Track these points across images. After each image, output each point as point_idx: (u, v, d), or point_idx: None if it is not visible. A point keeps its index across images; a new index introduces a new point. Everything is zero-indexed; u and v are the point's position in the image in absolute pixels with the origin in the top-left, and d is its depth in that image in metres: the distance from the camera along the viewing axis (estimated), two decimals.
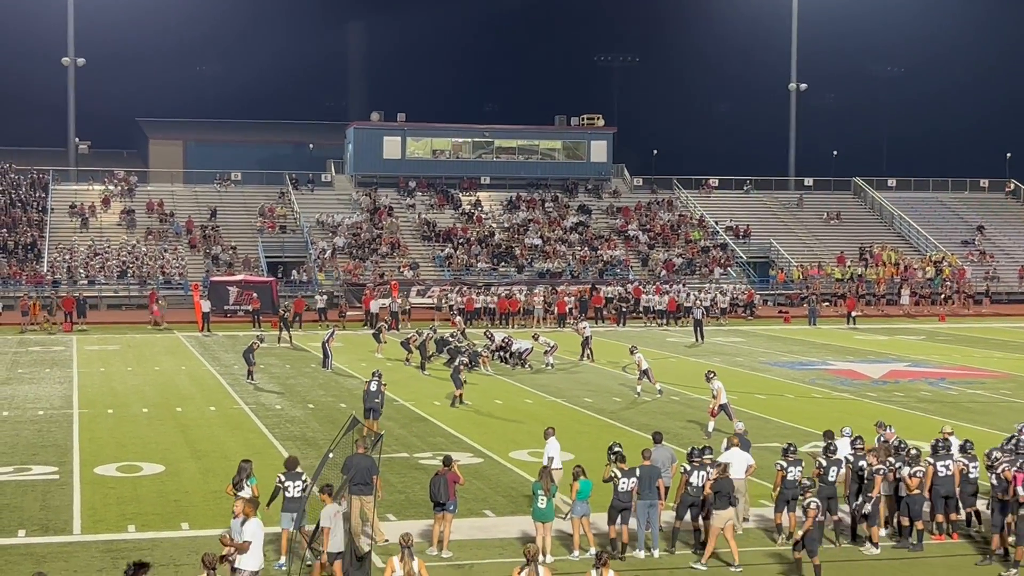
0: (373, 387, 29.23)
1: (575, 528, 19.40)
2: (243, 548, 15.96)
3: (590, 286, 64.46)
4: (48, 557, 18.83)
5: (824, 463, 20.23)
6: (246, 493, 18.82)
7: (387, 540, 19.49)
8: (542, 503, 18.89)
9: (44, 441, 28.19)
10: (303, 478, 19.05)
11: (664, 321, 60.93)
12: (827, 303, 67.67)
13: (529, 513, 19.45)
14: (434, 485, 19.44)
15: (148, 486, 23.71)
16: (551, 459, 21.04)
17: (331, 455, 19.88)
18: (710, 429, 29.19)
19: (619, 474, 19.45)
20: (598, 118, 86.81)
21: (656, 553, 19.35)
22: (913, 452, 20.41)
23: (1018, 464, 19.38)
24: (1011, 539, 18.96)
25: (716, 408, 29.26)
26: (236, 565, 16.04)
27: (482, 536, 20.05)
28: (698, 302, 58.61)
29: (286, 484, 18.78)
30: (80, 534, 20.34)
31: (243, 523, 16.32)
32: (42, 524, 20.70)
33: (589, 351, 44.61)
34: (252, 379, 37.77)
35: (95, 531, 20.39)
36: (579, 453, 25.89)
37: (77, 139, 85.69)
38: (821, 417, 31.39)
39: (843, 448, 20.85)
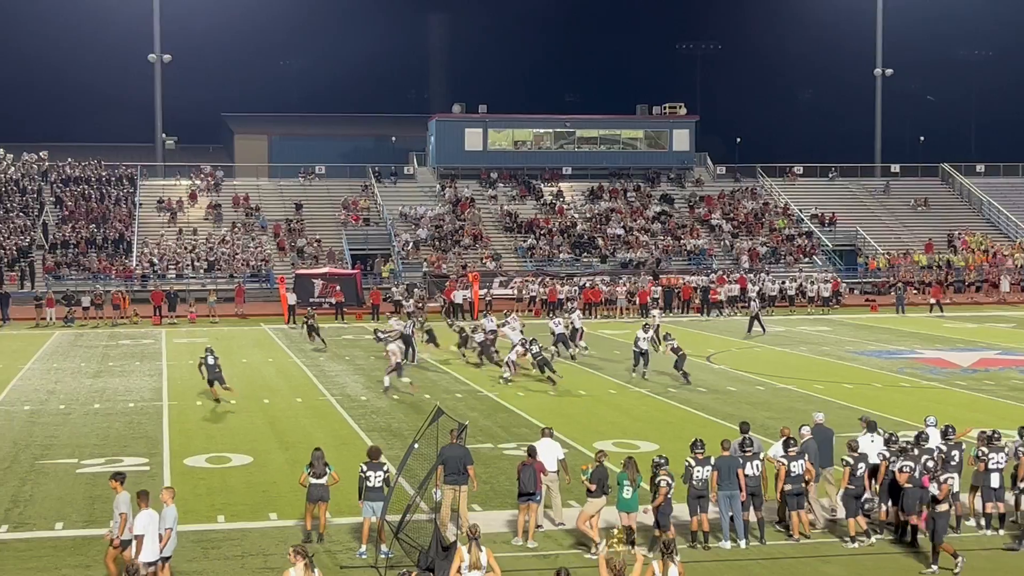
0: (211, 361, 32.56)
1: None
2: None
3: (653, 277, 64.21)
4: None
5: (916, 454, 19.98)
6: (327, 480, 19.08)
7: (479, 530, 19.53)
8: (627, 493, 18.82)
9: (135, 433, 28.65)
10: (385, 468, 19.17)
11: (729, 311, 60.08)
12: (915, 291, 66.71)
13: (614, 503, 19.40)
14: (524, 475, 19.44)
15: (237, 477, 24.02)
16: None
17: (416, 446, 20.01)
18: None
19: (694, 462, 19.34)
20: (680, 106, 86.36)
21: (743, 544, 19.21)
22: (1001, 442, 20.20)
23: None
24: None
25: None
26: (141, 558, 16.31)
27: (568, 526, 20.03)
28: (755, 292, 58.22)
29: (368, 474, 18.90)
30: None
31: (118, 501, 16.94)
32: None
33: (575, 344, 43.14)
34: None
35: (185, 522, 20.59)
36: (664, 444, 25.83)
37: (164, 135, 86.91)
38: (909, 406, 31.02)
39: (934, 439, 20.55)
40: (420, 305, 54.63)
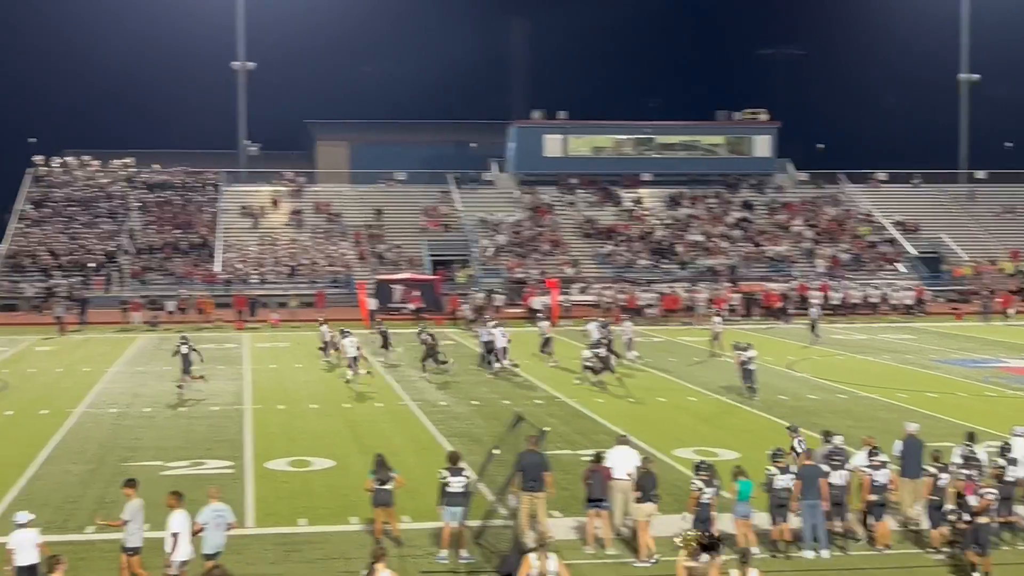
0: (184, 349, 35.02)
1: (737, 528, 19.19)
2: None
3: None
4: (223, 551, 19.32)
5: (1003, 463, 19.68)
6: (391, 485, 19.18)
7: (552, 537, 19.52)
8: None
9: (218, 436, 28.99)
10: (465, 473, 19.21)
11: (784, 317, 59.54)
12: (999, 300, 65.66)
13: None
14: (595, 482, 19.39)
15: (318, 481, 24.22)
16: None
17: (496, 451, 20.05)
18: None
19: (776, 471, 19.20)
20: (762, 112, 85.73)
21: (825, 554, 19.01)
22: None
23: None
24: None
25: None
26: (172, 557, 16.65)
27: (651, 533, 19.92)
28: (816, 300, 57.67)
29: (448, 479, 18.96)
30: (254, 527, 20.84)
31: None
32: None
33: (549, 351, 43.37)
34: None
35: (268, 524, 20.88)
36: (743, 452, 25.64)
37: (247, 141, 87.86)
38: (995, 416, 30.51)
39: (1018, 449, 20.23)
40: (482, 312, 54.79)
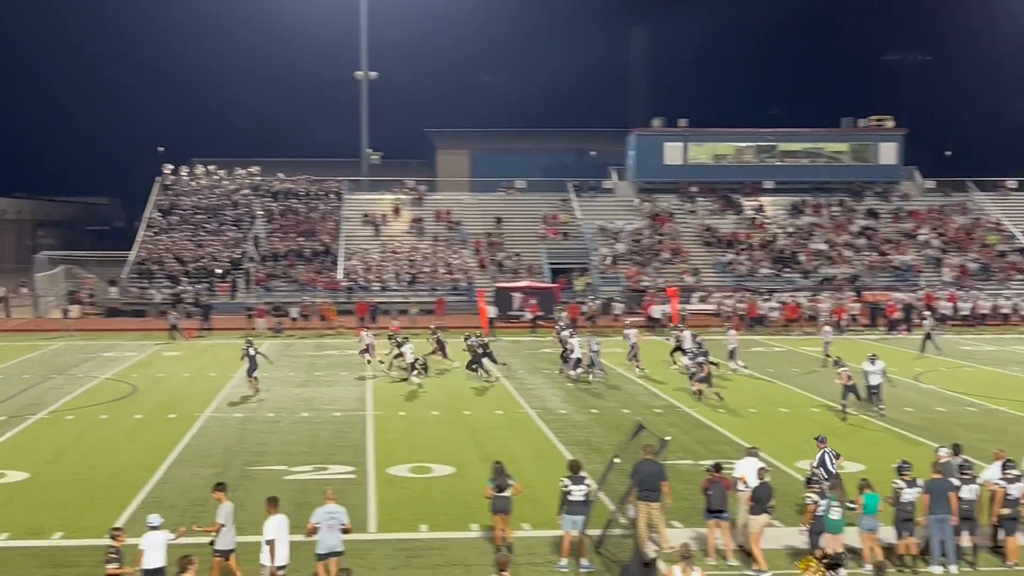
0: (252, 351, 37.00)
1: (863, 543, 18.85)
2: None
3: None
4: (346, 554, 19.50)
5: None
6: (509, 492, 19.20)
7: (672, 547, 19.40)
8: (835, 515, 18.42)
9: (341, 441, 29.31)
10: (587, 482, 19.15)
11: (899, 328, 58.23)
12: None
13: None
14: (714, 492, 19.20)
15: (439, 487, 24.34)
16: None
17: (617, 460, 19.96)
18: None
19: (903, 484, 18.84)
20: (887, 119, 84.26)
21: (954, 569, 18.57)
22: None
23: None
24: None
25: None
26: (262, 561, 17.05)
27: (767, 546, 19.66)
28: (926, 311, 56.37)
29: (570, 488, 18.93)
30: (376, 532, 21.04)
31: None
32: None
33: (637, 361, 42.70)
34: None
35: (389, 530, 21.04)
36: (869, 464, 25.18)
37: (369, 150, 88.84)
38: None
39: None
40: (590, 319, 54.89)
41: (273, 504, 17.74)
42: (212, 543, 17.83)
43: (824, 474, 20.51)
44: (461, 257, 72.54)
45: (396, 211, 78.47)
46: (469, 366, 40.63)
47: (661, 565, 18.18)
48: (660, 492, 19.32)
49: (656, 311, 58.01)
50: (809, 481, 18.92)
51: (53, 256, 77.41)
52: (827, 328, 46.89)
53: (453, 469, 25.91)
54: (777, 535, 20.15)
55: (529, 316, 59.18)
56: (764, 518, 18.78)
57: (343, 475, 25.31)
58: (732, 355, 42.70)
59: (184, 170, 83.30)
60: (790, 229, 76.84)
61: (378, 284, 68.51)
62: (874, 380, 33.38)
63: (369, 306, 59.12)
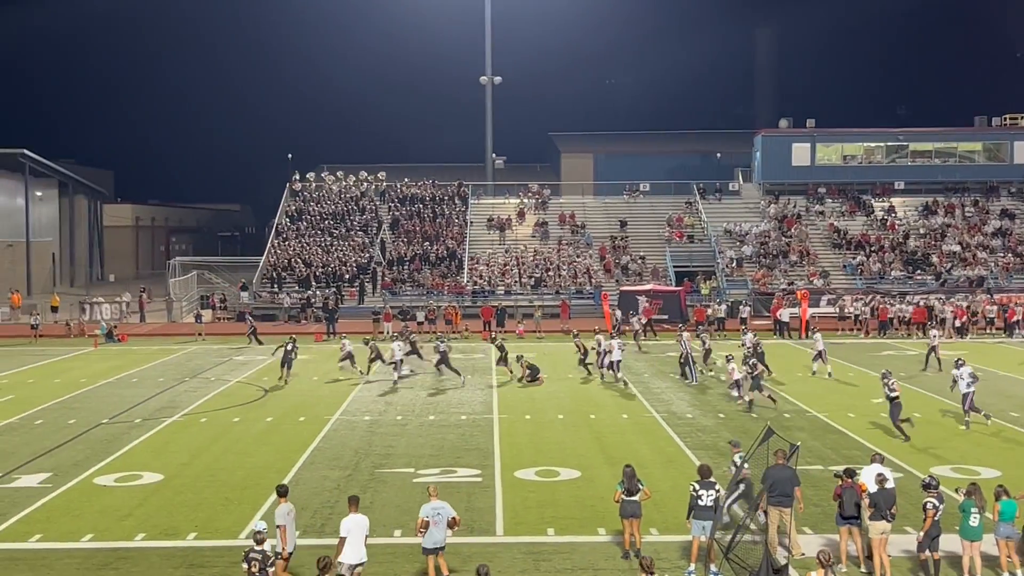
0: (290, 347, 41.56)
1: (1000, 550, 18.38)
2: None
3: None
4: (473, 557, 19.59)
5: None
6: (639, 497, 19.07)
7: (803, 554, 19.12)
8: (974, 521, 17.99)
9: (467, 444, 29.44)
10: (716, 487, 18.96)
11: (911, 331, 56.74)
12: None
13: (956, 531, 18.54)
14: (847, 498, 18.88)
15: (565, 491, 24.30)
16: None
17: (746, 466, 19.73)
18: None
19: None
20: (1022, 117, 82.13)
21: None
22: None
23: None
24: None
25: None
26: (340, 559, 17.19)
27: (898, 554, 19.25)
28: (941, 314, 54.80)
29: (699, 492, 18.76)
30: (503, 535, 21.08)
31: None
32: (467, 524, 21.55)
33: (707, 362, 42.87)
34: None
35: (516, 533, 21.06)
36: (1005, 470, 24.55)
37: (494, 155, 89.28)
38: None
39: None
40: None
41: (353, 503, 18.14)
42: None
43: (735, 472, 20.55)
44: (585, 260, 72.48)
45: (521, 215, 78.72)
46: (436, 365, 42.04)
47: (792, 572, 17.92)
48: (793, 497, 19.06)
49: (784, 314, 57.26)
50: (927, 486, 18.49)
51: (186, 262, 79.20)
52: (933, 332, 45.72)
53: (579, 473, 25.85)
54: (900, 541, 19.75)
55: (643, 320, 58.75)
56: (882, 524, 18.43)
57: (470, 478, 25.42)
58: (821, 357, 42.30)
59: (312, 176, 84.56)
60: (922, 230, 75.33)
61: (503, 288, 68.77)
62: (964, 388, 31.72)
63: (494, 309, 59.37)
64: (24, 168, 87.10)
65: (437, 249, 73.50)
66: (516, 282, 69.72)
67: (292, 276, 71.16)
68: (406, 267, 71.59)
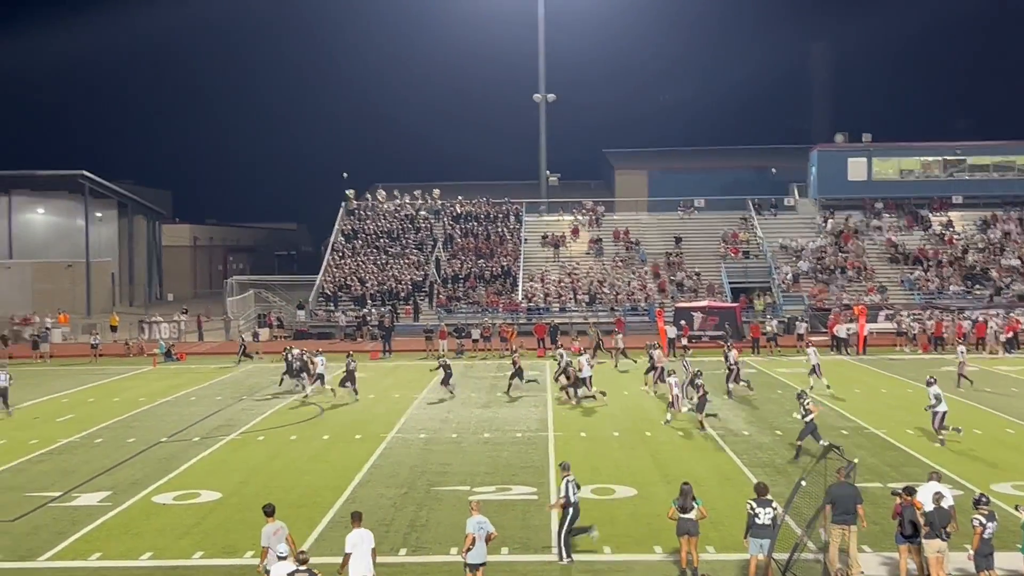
0: (352, 365, 41.92)
1: None
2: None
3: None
4: (528, 575, 19.55)
5: None
6: (694, 515, 18.97)
7: (862, 572, 18.94)
8: None
9: (523, 462, 29.41)
10: (773, 505, 18.83)
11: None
12: None
13: (1018, 548, 18.29)
14: (904, 516, 18.68)
15: (622, 508, 24.21)
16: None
17: (804, 483, 19.58)
18: None
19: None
20: None
21: None
22: None
23: None
24: None
25: None
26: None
27: (957, 574, 19.00)
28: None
29: (756, 510, 18.64)
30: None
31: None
32: (523, 542, 21.53)
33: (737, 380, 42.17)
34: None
35: (573, 551, 20.97)
36: None
37: (548, 172, 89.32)
38: None
39: None
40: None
41: (356, 519, 18.14)
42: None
43: (564, 500, 20.55)
44: (640, 277, 72.31)
45: (575, 232, 78.70)
46: (342, 383, 42.34)
47: None
48: (855, 515, 18.89)
49: (841, 330, 56.80)
50: (977, 503, 18.25)
51: (243, 280, 79.78)
52: (961, 348, 45.03)
53: (635, 491, 25.75)
54: (960, 560, 19.49)
55: (711, 335, 58.48)
56: (937, 543, 18.22)
57: (526, 496, 25.39)
58: (815, 371, 42.47)
59: (367, 195, 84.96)
60: (980, 245, 74.52)
61: (558, 305, 68.74)
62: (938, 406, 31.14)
63: (548, 327, 59.33)
64: (84, 189, 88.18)
65: (492, 267, 73.62)
66: (571, 299, 69.66)
67: (348, 294, 71.52)
68: (461, 285, 71.75)
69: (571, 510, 20.44)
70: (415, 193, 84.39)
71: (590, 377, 40.88)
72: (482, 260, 74.72)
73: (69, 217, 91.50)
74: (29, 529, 23.27)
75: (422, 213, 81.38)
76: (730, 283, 71.53)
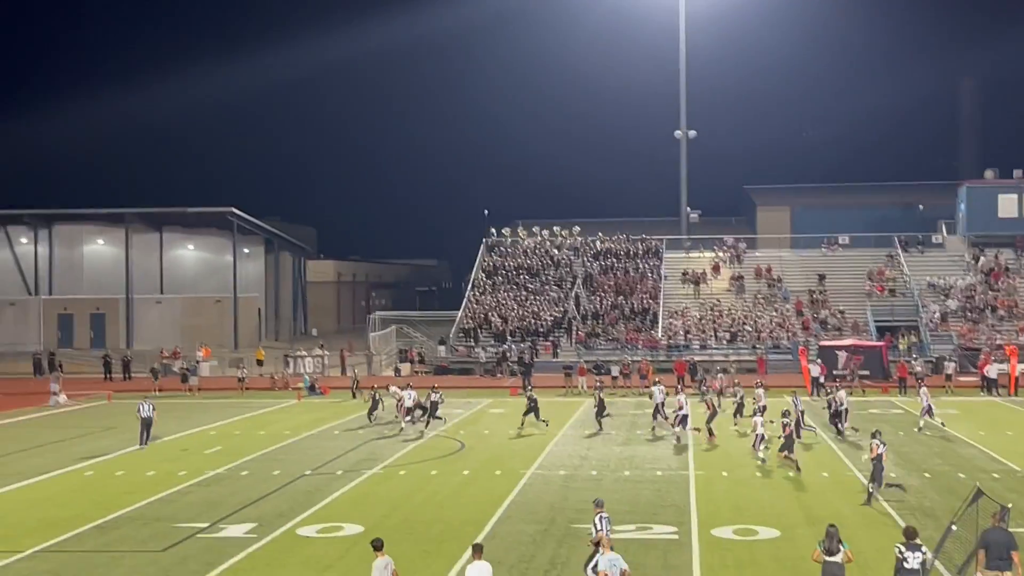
0: (436, 396, 43.08)
1: None
2: None
3: None
4: None
5: None
6: (840, 558, 18.56)
7: None
8: None
9: (663, 501, 29.16)
10: (923, 549, 18.35)
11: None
12: None
13: None
14: None
15: (764, 550, 23.82)
16: None
17: (954, 527, 19.08)
18: None
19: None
20: None
21: None
22: None
23: None
24: None
25: None
26: None
27: None
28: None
29: (905, 555, 18.17)
30: None
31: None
32: None
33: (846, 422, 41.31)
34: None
35: None
36: None
37: (689, 208, 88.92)
38: None
39: None
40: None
41: (477, 551, 18.44)
42: None
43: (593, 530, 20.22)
44: (782, 314, 71.40)
45: (716, 269, 78.12)
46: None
47: None
48: (1009, 561, 18.32)
49: (991, 371, 55.29)
50: None
51: (385, 316, 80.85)
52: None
53: (778, 532, 25.32)
54: None
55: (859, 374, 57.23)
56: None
57: (666, 535, 25.15)
58: (927, 412, 41.91)
59: (508, 232, 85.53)
60: None
61: (698, 342, 68.22)
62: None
63: (686, 364, 58.86)
64: (232, 226, 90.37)
65: (632, 303, 73.41)
66: (711, 336, 69.07)
67: (488, 330, 71.94)
68: (601, 321, 71.66)
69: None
70: (555, 229, 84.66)
71: (687, 416, 40.61)
72: (622, 297, 74.56)
73: (218, 253, 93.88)
74: (178, 560, 23.77)
75: (563, 250, 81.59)
76: (875, 321, 70.19)
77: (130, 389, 62.81)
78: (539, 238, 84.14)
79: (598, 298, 74.83)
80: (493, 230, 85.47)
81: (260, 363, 71.32)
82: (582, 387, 56.59)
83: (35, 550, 24.51)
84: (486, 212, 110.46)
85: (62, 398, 56.36)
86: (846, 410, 41.45)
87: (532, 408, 43.44)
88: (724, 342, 68.48)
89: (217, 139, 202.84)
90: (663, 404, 42.96)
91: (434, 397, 43.30)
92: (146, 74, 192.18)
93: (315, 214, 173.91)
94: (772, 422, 37.41)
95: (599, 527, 20.45)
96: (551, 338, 70.01)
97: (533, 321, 71.92)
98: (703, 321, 70.87)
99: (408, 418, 43.32)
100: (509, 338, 70.34)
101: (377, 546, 18.80)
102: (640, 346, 67.85)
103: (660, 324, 71.07)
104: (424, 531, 25.86)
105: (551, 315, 72.54)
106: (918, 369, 56.39)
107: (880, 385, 57.06)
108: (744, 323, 70.07)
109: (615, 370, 59.54)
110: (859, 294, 74.18)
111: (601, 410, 43.24)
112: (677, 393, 43.20)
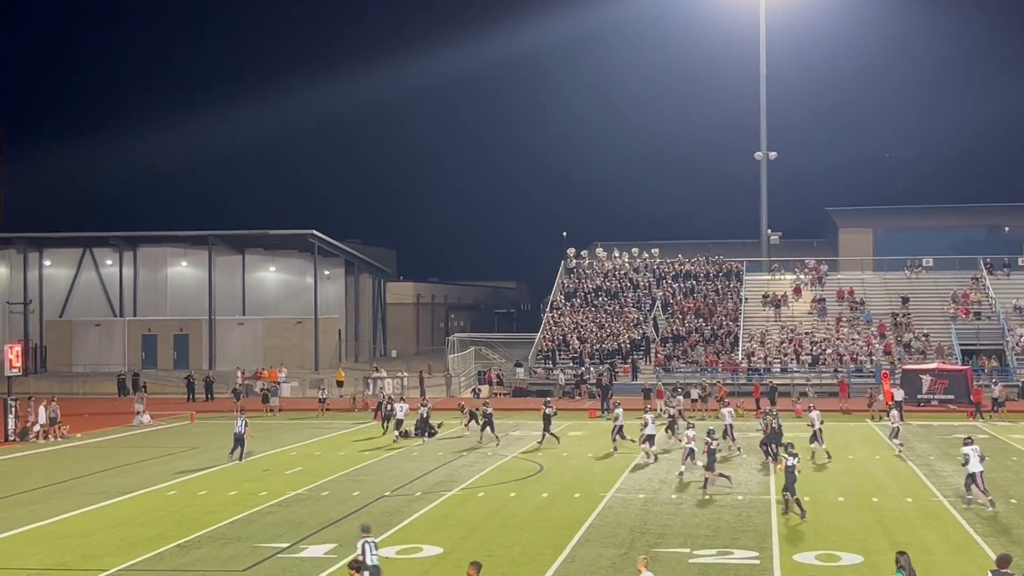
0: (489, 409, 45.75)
1: None
2: None
3: None
4: None
5: None
6: None
7: None
8: None
9: (744, 525, 28.85)
10: None
11: None
12: None
13: None
14: None
15: None
16: None
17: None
18: None
19: None
20: None
21: None
22: None
23: None
24: None
25: None
26: None
27: None
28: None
29: None
30: None
31: None
32: None
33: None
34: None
35: None
36: None
37: (769, 230, 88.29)
38: None
39: None
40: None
41: (474, 568, 17.90)
42: None
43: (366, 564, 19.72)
44: (865, 337, 70.56)
45: (797, 291, 77.44)
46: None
47: None
48: None
49: None
50: None
51: (464, 338, 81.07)
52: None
53: (861, 558, 24.95)
54: None
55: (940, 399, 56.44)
56: None
57: (747, 560, 24.87)
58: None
59: (586, 254, 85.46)
60: None
61: (779, 365, 67.60)
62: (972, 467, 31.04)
63: (764, 387, 58.28)
64: (313, 248, 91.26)
65: (712, 326, 72.97)
66: (792, 360, 68.42)
67: (566, 352, 71.84)
68: (680, 344, 71.28)
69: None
70: (633, 251, 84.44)
71: (652, 436, 41.11)
72: (701, 319, 74.13)
73: (299, 275, 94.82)
74: None
75: (641, 272, 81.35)
76: (960, 345, 69.12)
77: (212, 410, 63.55)
78: (618, 260, 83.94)
79: (677, 320, 74.45)
80: (572, 252, 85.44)
81: (340, 384, 71.77)
82: (660, 409, 56.26)
83: (118, 568, 24.79)
84: (564, 234, 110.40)
85: (146, 418, 57.18)
86: (819, 430, 41.42)
87: (618, 428, 43.70)
88: (806, 365, 67.78)
89: (299, 162, 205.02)
90: (732, 427, 43.71)
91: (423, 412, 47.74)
92: (229, 98, 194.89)
93: (395, 236, 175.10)
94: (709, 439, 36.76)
95: (361, 552, 20.38)
96: (629, 360, 69.74)
97: (611, 343, 71.72)
98: (784, 344, 70.20)
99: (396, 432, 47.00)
100: (587, 360, 70.18)
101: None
102: (720, 369, 67.36)
103: (740, 347, 70.53)
104: (503, 553, 25.81)
105: (629, 337, 72.27)
106: (997, 393, 55.40)
107: (966, 410, 56.10)
108: (825, 346, 69.31)
109: (695, 393, 59.11)
110: (943, 317, 73.15)
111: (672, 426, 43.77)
112: (762, 416, 43.02)
